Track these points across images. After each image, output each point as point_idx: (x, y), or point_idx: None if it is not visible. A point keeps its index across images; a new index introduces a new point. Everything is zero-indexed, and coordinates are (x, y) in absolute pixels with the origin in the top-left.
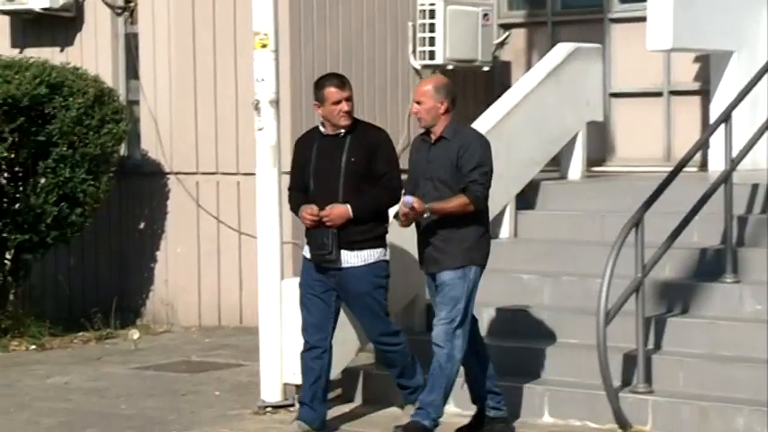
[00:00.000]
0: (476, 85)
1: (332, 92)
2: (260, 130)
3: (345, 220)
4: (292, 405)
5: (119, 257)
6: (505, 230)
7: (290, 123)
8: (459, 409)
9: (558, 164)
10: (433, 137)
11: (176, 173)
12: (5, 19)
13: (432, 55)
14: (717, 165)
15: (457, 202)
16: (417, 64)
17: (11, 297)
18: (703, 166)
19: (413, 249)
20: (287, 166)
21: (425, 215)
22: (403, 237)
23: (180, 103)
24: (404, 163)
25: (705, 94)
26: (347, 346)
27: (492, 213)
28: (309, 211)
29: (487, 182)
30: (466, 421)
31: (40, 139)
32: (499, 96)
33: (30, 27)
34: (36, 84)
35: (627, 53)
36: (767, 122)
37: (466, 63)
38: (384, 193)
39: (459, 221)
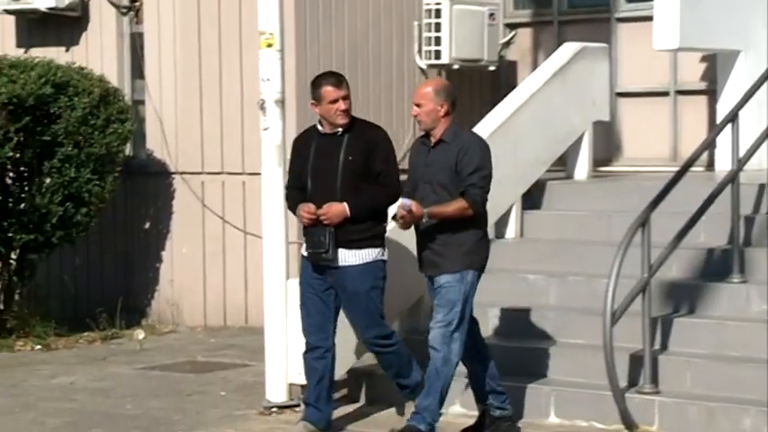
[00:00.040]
0: (482, 84)
1: (329, 90)
2: (265, 129)
3: (343, 219)
4: (298, 405)
5: (124, 257)
6: (511, 230)
7: (296, 123)
8: (464, 409)
9: (564, 163)
10: (433, 140)
11: (181, 173)
12: (11, 18)
13: (437, 54)
14: (724, 165)
15: (455, 206)
16: (423, 63)
17: (16, 297)
18: (710, 165)
19: None
20: None
21: (424, 220)
22: (410, 236)
23: (185, 103)
24: (405, 163)
25: (712, 93)
26: (352, 346)
27: (498, 213)
28: (307, 209)
29: (486, 186)
30: (471, 422)
31: (46, 139)
32: (505, 96)
33: (35, 27)
34: (41, 83)
35: (633, 53)
36: None
37: (472, 63)
38: (382, 192)
39: (457, 225)
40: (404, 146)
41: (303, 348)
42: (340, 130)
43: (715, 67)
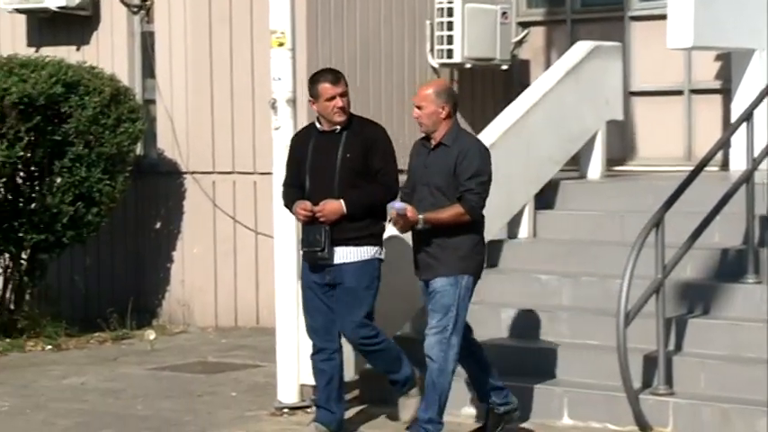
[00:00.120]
0: (494, 83)
1: (326, 88)
2: (277, 129)
3: (339, 216)
4: (309, 406)
5: (135, 257)
6: (524, 230)
7: (307, 122)
8: (474, 410)
9: (577, 163)
10: (433, 142)
11: (192, 172)
12: (21, 18)
13: (450, 53)
14: (738, 164)
15: (452, 212)
16: (435, 62)
17: (27, 297)
18: (725, 165)
19: None
20: None
21: (419, 225)
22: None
23: (196, 102)
24: (406, 161)
25: (726, 92)
26: None
27: (511, 213)
28: (303, 206)
29: (484, 191)
30: (481, 423)
31: (56, 139)
32: (518, 95)
33: (46, 26)
34: (52, 83)
35: (647, 51)
36: None
37: (484, 62)
38: (379, 190)
39: (454, 229)
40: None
41: (311, 350)
42: (338, 127)
43: (729, 65)
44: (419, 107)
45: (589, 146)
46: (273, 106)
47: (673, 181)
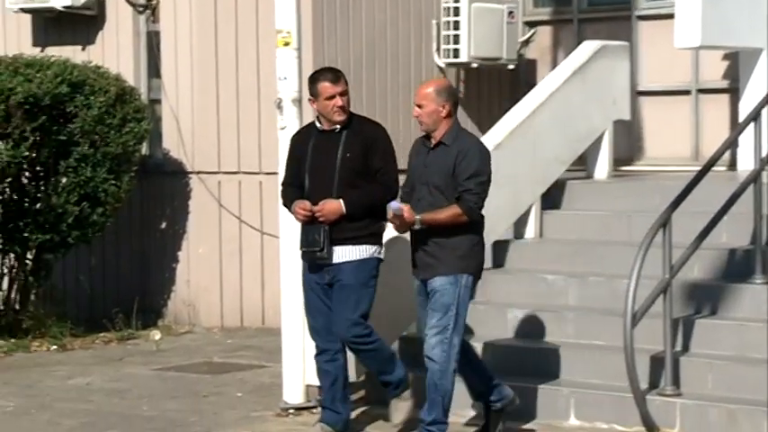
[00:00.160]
0: (501, 83)
1: (325, 86)
2: (282, 128)
3: (338, 216)
4: (315, 407)
5: (140, 257)
6: (531, 230)
7: None
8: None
9: (584, 163)
10: (433, 141)
11: (198, 172)
12: (27, 17)
13: (456, 53)
14: (746, 164)
15: (449, 212)
16: (441, 62)
17: (32, 297)
18: (732, 165)
19: None
20: None
21: (416, 226)
22: None
23: (202, 102)
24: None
25: (734, 92)
26: None
27: (517, 213)
28: (302, 206)
29: (483, 192)
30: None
31: (62, 139)
32: (524, 95)
33: (51, 25)
34: (57, 82)
35: (654, 51)
36: None
37: (491, 61)
38: (378, 189)
39: (452, 229)
40: None
41: (314, 351)
42: (338, 126)
43: (737, 65)
44: (419, 106)
45: (596, 146)
46: (279, 106)
47: (680, 181)
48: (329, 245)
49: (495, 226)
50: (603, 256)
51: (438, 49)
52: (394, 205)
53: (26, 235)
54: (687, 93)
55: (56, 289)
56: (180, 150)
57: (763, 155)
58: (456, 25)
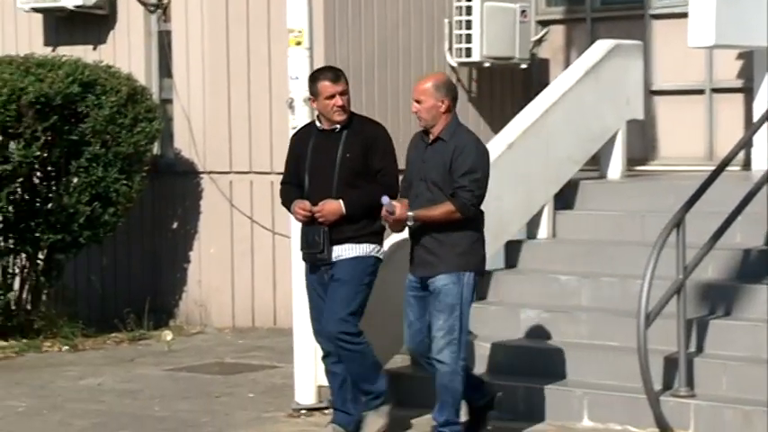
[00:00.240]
0: (513, 82)
1: (325, 86)
2: (294, 128)
3: (338, 217)
4: (327, 407)
5: (152, 258)
6: (544, 230)
7: None
8: None
9: (597, 163)
10: (431, 137)
11: (209, 172)
12: (38, 17)
13: (468, 52)
14: (760, 164)
15: (442, 209)
16: (454, 61)
17: (44, 297)
18: (746, 165)
19: None
20: None
21: (409, 223)
22: None
23: (213, 102)
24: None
25: (748, 91)
26: (379, 348)
27: (530, 213)
28: (302, 206)
29: (478, 189)
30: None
31: (73, 138)
32: (537, 94)
33: (62, 25)
34: (69, 82)
35: (668, 50)
36: None
37: (503, 60)
38: (379, 190)
39: (450, 226)
40: None
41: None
42: (338, 126)
43: (751, 64)
44: (418, 101)
45: (609, 145)
46: (291, 106)
47: (694, 181)
48: (329, 246)
49: (508, 226)
50: (617, 256)
51: (450, 49)
52: (386, 201)
53: (37, 235)
54: (701, 92)
55: (67, 289)
56: (191, 150)
57: None
58: (468, 24)
